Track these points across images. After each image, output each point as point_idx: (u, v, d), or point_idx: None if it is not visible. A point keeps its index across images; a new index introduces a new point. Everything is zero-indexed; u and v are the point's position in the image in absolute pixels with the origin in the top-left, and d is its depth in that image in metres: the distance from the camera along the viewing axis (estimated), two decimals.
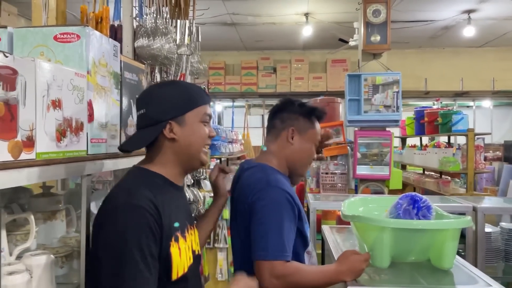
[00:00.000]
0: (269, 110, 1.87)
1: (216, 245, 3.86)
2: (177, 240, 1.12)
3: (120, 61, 1.41)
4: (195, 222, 1.32)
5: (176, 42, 2.29)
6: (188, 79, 2.37)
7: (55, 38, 1.19)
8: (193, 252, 1.20)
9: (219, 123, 9.50)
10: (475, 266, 2.67)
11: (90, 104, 1.20)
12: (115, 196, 1.08)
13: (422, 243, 1.62)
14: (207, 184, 2.82)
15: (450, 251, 1.57)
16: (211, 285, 3.77)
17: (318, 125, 1.64)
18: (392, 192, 4.17)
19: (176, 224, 1.13)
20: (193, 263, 1.19)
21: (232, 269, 4.31)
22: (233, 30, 7.11)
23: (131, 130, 1.47)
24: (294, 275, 1.37)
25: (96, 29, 1.83)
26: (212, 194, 4.13)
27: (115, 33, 2.04)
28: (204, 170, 2.94)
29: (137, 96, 1.25)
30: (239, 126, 8.46)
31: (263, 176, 1.49)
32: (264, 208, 1.41)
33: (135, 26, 2.14)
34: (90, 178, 1.20)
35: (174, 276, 1.11)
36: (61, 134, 1.05)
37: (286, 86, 7.80)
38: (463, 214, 2.72)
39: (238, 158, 5.89)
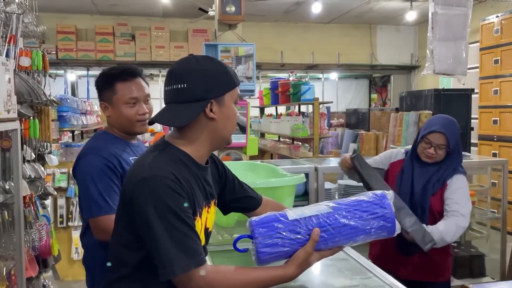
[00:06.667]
0: None
1: (70, 223, 3.62)
2: (200, 215, 1.15)
3: None
4: (214, 199, 1.28)
5: None
6: (20, 42, 2.10)
7: None
8: (206, 229, 1.21)
9: (73, 94, 8.73)
10: None
11: None
12: (141, 169, 1.09)
13: None
14: (52, 159, 2.58)
15: (287, 205, 1.75)
16: (66, 264, 3.54)
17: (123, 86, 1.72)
18: (251, 158, 4.39)
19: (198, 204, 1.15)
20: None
21: None
22: None
23: None
24: None
25: None
26: (62, 170, 3.77)
27: None
28: (49, 143, 2.67)
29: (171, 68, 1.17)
30: (95, 97, 7.89)
31: None
32: None
33: None
34: None
35: None
36: None
37: (147, 54, 7.50)
38: (307, 174, 3.04)
39: (95, 130, 5.54)
